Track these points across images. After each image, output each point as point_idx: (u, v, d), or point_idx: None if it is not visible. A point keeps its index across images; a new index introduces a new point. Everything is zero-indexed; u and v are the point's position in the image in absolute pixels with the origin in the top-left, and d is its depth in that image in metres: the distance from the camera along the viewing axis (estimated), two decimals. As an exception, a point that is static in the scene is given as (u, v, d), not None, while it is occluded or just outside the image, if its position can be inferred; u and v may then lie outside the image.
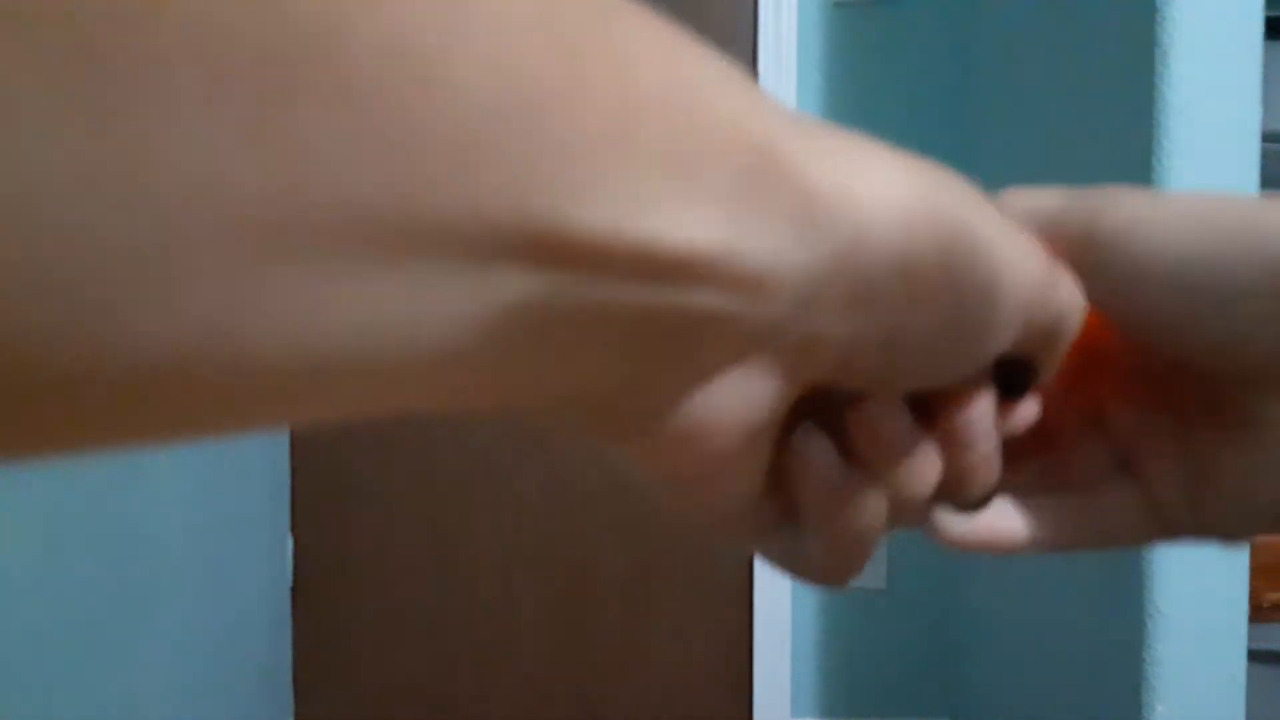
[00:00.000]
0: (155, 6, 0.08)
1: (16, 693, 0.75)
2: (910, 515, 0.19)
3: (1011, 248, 0.16)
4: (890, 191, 0.14)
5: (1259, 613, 0.85)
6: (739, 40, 1.29)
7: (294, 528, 1.39)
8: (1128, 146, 0.86)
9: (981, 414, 0.18)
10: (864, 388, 0.16)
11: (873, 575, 1.30)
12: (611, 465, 1.36)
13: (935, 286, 0.15)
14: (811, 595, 1.33)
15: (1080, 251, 0.18)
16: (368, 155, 0.09)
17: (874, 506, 0.18)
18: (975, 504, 0.19)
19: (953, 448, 0.18)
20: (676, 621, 1.36)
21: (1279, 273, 0.16)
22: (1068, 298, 0.18)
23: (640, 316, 0.12)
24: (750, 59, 1.28)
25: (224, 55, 0.08)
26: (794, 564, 0.18)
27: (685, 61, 0.12)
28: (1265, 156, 0.86)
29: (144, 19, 0.08)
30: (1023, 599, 1.07)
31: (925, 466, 0.18)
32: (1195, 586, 0.82)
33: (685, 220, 0.12)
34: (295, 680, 1.39)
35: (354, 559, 1.39)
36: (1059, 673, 0.99)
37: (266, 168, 0.09)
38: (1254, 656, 0.86)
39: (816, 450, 0.17)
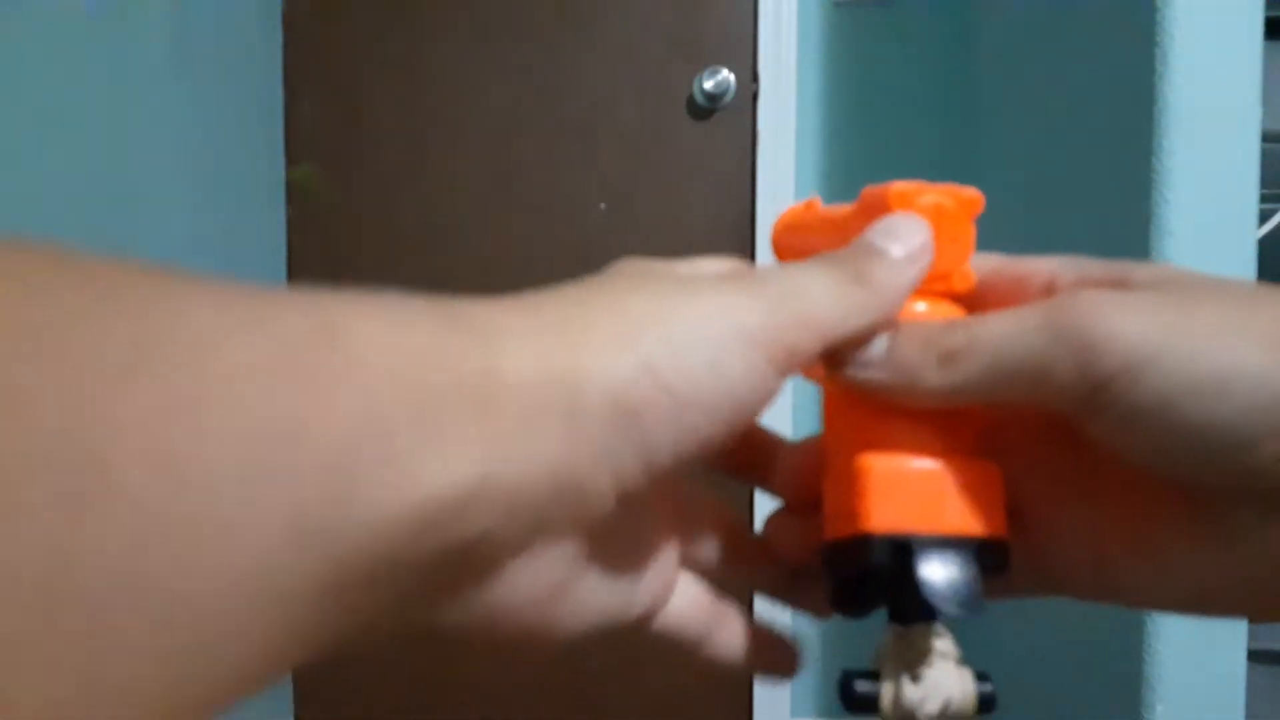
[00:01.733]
0: None
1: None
2: None
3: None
4: (594, 366, 0.16)
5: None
6: (739, 39, 1.28)
7: (293, 529, 1.39)
8: (1127, 146, 0.86)
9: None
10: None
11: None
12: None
13: (655, 422, 0.16)
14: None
15: (1081, 400, 0.17)
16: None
17: None
18: None
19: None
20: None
21: None
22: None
23: (421, 557, 0.14)
24: (750, 58, 1.28)
25: None
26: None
27: (403, 335, 0.14)
28: (1265, 157, 0.86)
29: None
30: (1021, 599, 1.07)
31: None
32: (1196, 587, 0.82)
33: (442, 467, 0.14)
34: (295, 682, 1.39)
35: (354, 560, 1.38)
36: (1058, 672, 0.99)
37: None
38: (1254, 656, 0.86)
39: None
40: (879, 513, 0.18)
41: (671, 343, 0.16)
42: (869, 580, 0.19)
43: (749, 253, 1.30)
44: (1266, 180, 0.88)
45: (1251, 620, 0.19)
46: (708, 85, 1.26)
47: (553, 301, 0.17)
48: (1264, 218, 0.98)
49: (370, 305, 0.14)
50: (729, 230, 1.30)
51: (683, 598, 0.22)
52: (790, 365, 0.18)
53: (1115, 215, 0.87)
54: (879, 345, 0.19)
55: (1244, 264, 0.82)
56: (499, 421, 0.14)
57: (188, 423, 0.11)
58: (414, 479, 0.13)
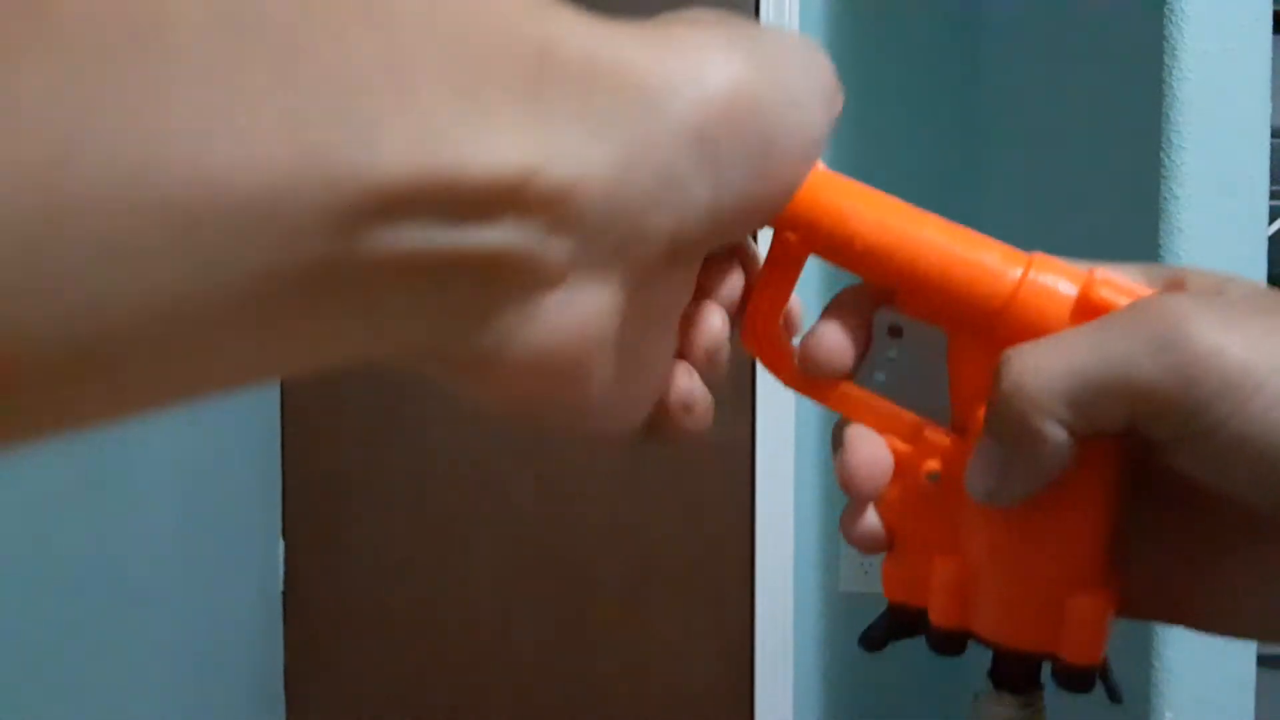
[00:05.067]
0: None
1: (4, 699, 0.73)
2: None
3: (797, 119, 0.16)
4: (681, 70, 0.14)
5: None
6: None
7: (285, 532, 1.37)
8: (1136, 141, 0.85)
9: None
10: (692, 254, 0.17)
11: (878, 580, 1.29)
12: (603, 467, 1.35)
13: (734, 156, 0.15)
14: (814, 601, 1.32)
15: (1176, 417, 0.16)
16: (112, 123, 0.09)
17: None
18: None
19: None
20: (677, 629, 1.35)
21: None
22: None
23: (453, 256, 0.12)
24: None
25: None
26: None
27: None
28: (1275, 153, 0.85)
29: None
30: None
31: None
32: (1206, 591, 0.81)
33: (481, 145, 0.12)
34: (287, 687, 1.37)
35: (347, 563, 1.37)
36: (1066, 678, 0.98)
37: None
38: (1263, 661, 0.86)
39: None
40: (1086, 647, 0.19)
41: (768, 67, 0.15)
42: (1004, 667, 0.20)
43: (749, 250, 1.28)
44: (1276, 177, 0.87)
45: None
46: (707, 80, 1.24)
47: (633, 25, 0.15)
48: (1274, 215, 0.97)
49: None
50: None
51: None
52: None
53: (1124, 210, 0.87)
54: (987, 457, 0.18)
55: (1254, 261, 0.81)
56: (559, 106, 0.12)
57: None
58: (446, 147, 0.11)
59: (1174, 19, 0.80)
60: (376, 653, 1.37)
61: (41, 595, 0.79)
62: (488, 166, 0.12)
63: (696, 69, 0.14)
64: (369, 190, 0.11)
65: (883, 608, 0.22)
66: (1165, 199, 0.81)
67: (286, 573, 1.37)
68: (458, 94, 0.11)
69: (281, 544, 1.37)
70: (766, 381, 1.29)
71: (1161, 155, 0.81)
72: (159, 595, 0.99)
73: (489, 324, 0.14)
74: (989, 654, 0.20)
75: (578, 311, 0.14)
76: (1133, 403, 0.16)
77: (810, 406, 1.30)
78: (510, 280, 0.13)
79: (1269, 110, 0.82)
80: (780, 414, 1.29)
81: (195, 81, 0.09)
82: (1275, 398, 0.15)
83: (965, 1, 1.27)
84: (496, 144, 0.12)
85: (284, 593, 1.37)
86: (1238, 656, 0.83)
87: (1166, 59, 0.81)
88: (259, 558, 1.30)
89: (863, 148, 1.29)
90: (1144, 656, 0.82)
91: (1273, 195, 0.86)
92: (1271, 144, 0.84)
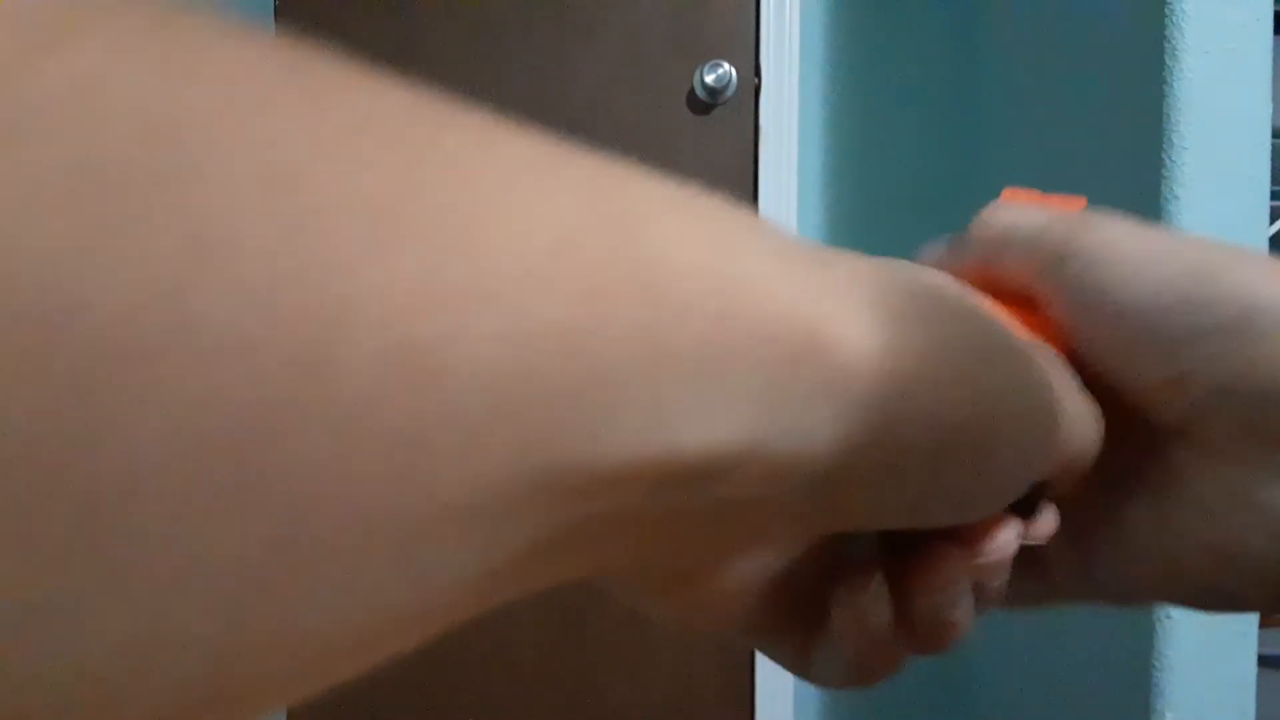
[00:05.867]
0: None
1: None
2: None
3: (1046, 412, 0.16)
4: (930, 366, 0.14)
5: (1269, 618, 0.84)
6: (741, 32, 1.27)
7: (285, 531, 1.37)
8: (1137, 142, 0.85)
9: (1006, 541, 0.18)
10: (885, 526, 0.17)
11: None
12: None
13: (967, 458, 0.14)
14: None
15: (1052, 268, 0.20)
16: (364, 462, 0.08)
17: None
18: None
19: (978, 571, 0.18)
20: (678, 629, 1.35)
21: (1230, 323, 0.17)
22: (1090, 433, 0.18)
23: (660, 517, 0.12)
24: (752, 51, 1.27)
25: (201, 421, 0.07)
26: (808, 670, 0.20)
27: (721, 250, 0.12)
28: (1276, 154, 0.85)
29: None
30: (1028, 602, 1.06)
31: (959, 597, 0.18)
32: (1206, 591, 0.81)
33: (710, 425, 0.11)
34: (287, 686, 1.38)
35: (347, 562, 1.37)
36: (1066, 679, 0.98)
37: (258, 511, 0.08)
38: (1264, 662, 0.86)
39: (867, 609, 0.18)
40: None
41: (990, 376, 0.15)
42: None
43: (749, 250, 1.28)
44: (1276, 177, 0.87)
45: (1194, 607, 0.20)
46: (709, 79, 1.24)
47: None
48: (1274, 215, 0.97)
49: (678, 200, 0.12)
50: (729, 227, 1.29)
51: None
52: None
53: (1124, 211, 0.86)
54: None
55: (1256, 262, 0.82)
56: (805, 388, 0.12)
57: (442, 314, 0.09)
58: (674, 432, 0.11)
59: (1174, 19, 0.80)
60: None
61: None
62: (708, 443, 0.11)
63: (946, 378, 0.14)
64: (590, 476, 0.10)
65: None
66: (1165, 199, 0.81)
67: (286, 572, 1.37)
68: (699, 376, 0.11)
69: (282, 543, 1.37)
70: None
71: (1162, 155, 0.81)
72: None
73: (687, 563, 0.15)
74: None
75: (766, 559, 0.16)
76: (1028, 253, 0.20)
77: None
78: (715, 526, 0.14)
79: (1269, 110, 0.82)
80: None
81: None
82: (1121, 258, 0.19)
83: (966, 2, 1.27)
84: (726, 423, 0.11)
85: (284, 592, 1.37)
86: (1238, 656, 0.83)
87: (1167, 59, 0.81)
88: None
89: (863, 149, 1.29)
90: (1144, 656, 0.82)
91: (1273, 195, 0.86)
92: (1272, 144, 0.84)
